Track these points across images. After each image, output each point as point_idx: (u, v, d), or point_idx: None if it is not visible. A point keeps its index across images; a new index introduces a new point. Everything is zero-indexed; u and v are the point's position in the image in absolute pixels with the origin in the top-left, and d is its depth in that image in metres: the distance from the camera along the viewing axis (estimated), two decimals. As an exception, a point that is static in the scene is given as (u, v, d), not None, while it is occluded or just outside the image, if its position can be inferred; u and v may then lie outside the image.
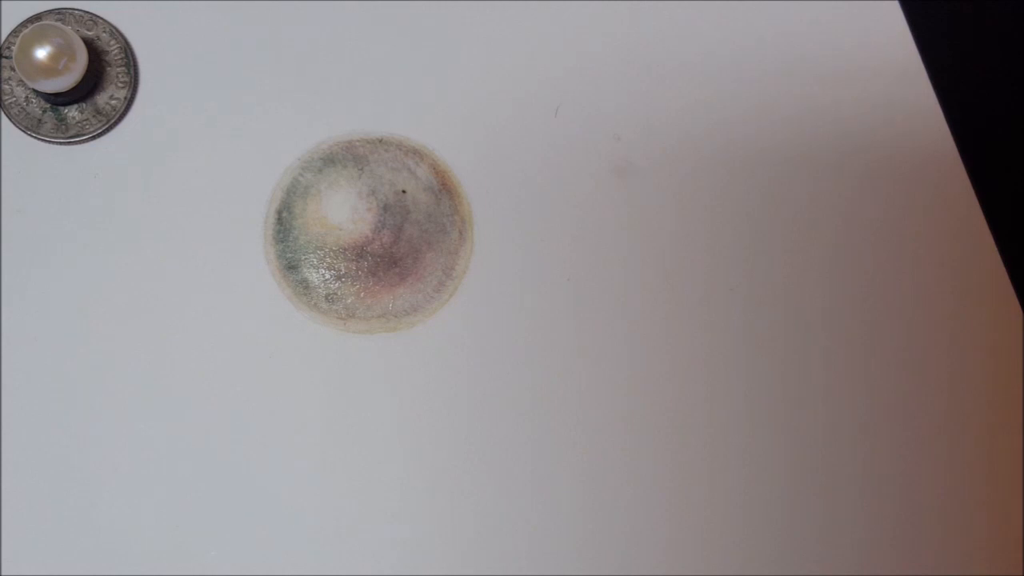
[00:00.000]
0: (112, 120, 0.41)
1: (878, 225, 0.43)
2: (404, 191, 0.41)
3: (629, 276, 0.41)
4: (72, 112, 0.40)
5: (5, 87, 0.40)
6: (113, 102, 0.41)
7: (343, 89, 0.42)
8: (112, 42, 0.41)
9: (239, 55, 0.42)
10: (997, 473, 0.41)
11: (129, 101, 0.41)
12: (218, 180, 0.41)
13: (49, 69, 0.38)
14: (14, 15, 0.41)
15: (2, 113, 0.40)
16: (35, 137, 0.40)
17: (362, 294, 0.41)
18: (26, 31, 0.39)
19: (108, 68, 0.41)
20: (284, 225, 0.41)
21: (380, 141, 0.41)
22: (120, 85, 0.41)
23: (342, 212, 0.41)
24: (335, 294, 0.41)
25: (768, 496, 0.41)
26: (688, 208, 0.42)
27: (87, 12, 0.41)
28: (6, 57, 0.40)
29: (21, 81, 0.40)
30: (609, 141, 0.42)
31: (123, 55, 0.41)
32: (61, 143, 0.40)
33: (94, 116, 0.40)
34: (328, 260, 0.41)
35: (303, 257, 0.41)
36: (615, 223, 0.42)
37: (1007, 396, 0.42)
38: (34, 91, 0.40)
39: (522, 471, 0.40)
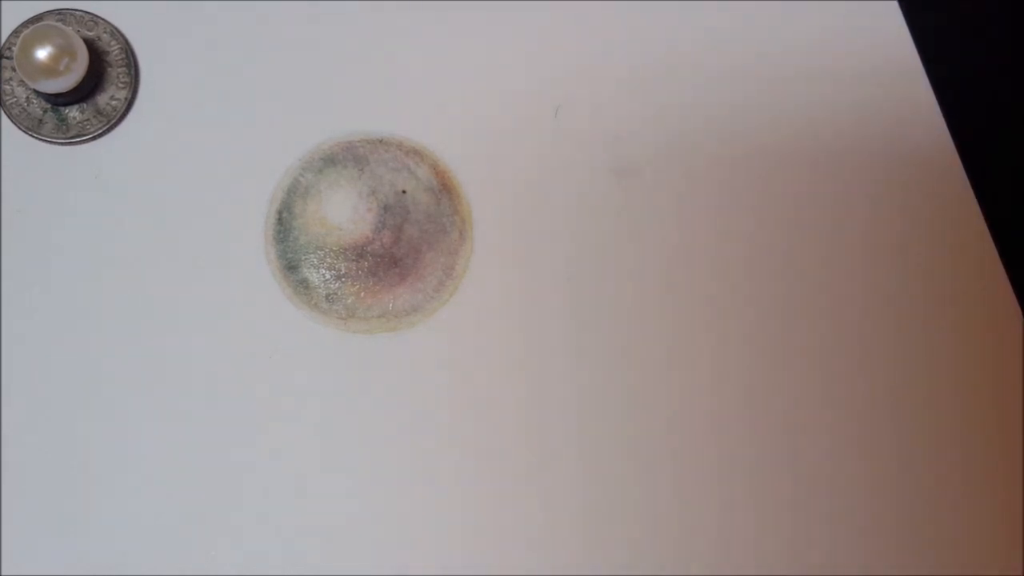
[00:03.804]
0: (113, 120, 0.41)
1: (877, 225, 0.43)
2: (404, 191, 0.41)
3: (629, 276, 0.41)
4: (73, 112, 0.40)
5: (6, 87, 0.40)
6: (114, 102, 0.41)
7: (343, 89, 0.42)
8: (113, 43, 0.41)
9: (239, 55, 0.42)
10: (997, 473, 0.41)
11: (130, 102, 0.41)
12: (218, 180, 0.41)
13: (50, 69, 0.38)
14: (15, 15, 0.41)
15: (3, 113, 0.40)
16: (36, 137, 0.40)
17: (362, 294, 0.41)
18: (27, 32, 0.39)
19: (109, 69, 0.41)
20: (284, 225, 0.41)
21: (380, 141, 0.42)
22: (121, 86, 0.41)
23: (342, 212, 0.41)
24: (335, 294, 0.41)
25: (768, 496, 0.41)
26: (688, 208, 0.42)
27: (88, 12, 0.41)
28: (7, 58, 0.40)
29: (22, 81, 0.40)
30: (609, 141, 0.42)
31: (124, 55, 0.41)
32: (62, 143, 0.40)
33: (95, 116, 0.41)
34: (328, 260, 0.41)
35: (303, 257, 0.41)
36: (615, 223, 0.42)
37: (1007, 396, 0.42)
38: (35, 91, 0.40)
39: (522, 471, 0.40)
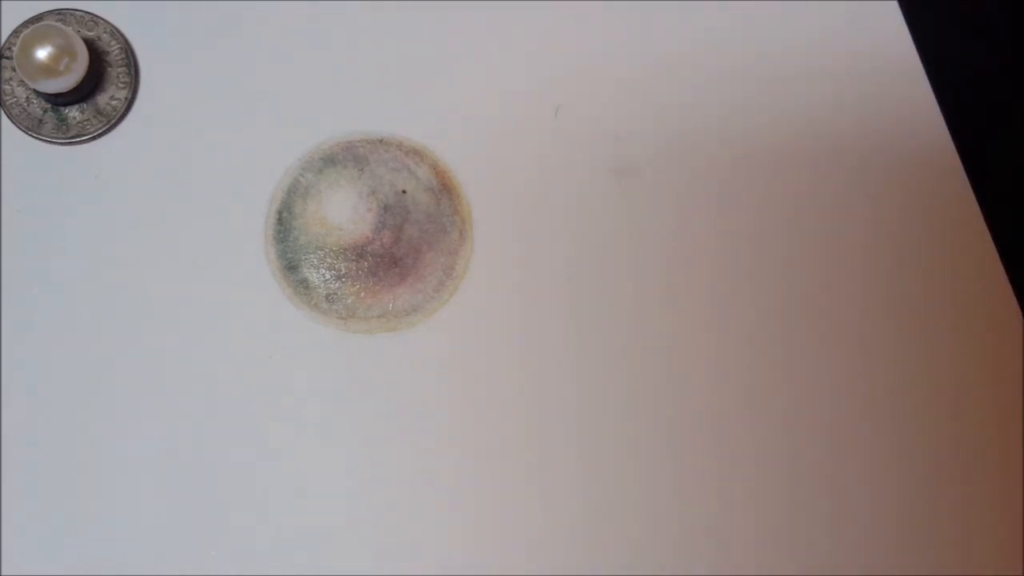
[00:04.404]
0: (113, 120, 0.41)
1: (876, 225, 0.43)
2: (404, 191, 0.41)
3: (629, 276, 0.41)
4: (73, 112, 0.40)
5: (6, 87, 0.40)
6: (114, 102, 0.41)
7: (343, 89, 0.42)
8: (113, 42, 0.41)
9: (239, 55, 0.42)
10: (997, 473, 0.41)
11: (130, 101, 0.41)
12: (218, 180, 0.41)
13: (50, 69, 0.38)
14: (15, 15, 0.41)
15: (3, 113, 0.40)
16: (36, 137, 0.40)
17: (362, 294, 0.41)
18: (27, 31, 0.39)
19: (109, 68, 0.41)
20: (284, 225, 0.41)
21: (380, 141, 0.42)
22: (121, 85, 0.41)
23: (342, 212, 0.41)
24: (335, 294, 0.41)
25: (768, 496, 0.41)
26: (688, 208, 0.42)
27: (88, 12, 0.41)
28: (7, 58, 0.40)
29: (22, 81, 0.40)
30: (609, 141, 0.42)
31: (124, 55, 0.41)
32: (62, 143, 0.40)
33: (95, 116, 0.41)
34: (328, 260, 0.41)
35: (303, 257, 0.41)
36: (615, 223, 0.42)
37: (1007, 396, 0.42)
38: (35, 91, 0.40)
39: (522, 471, 0.40)
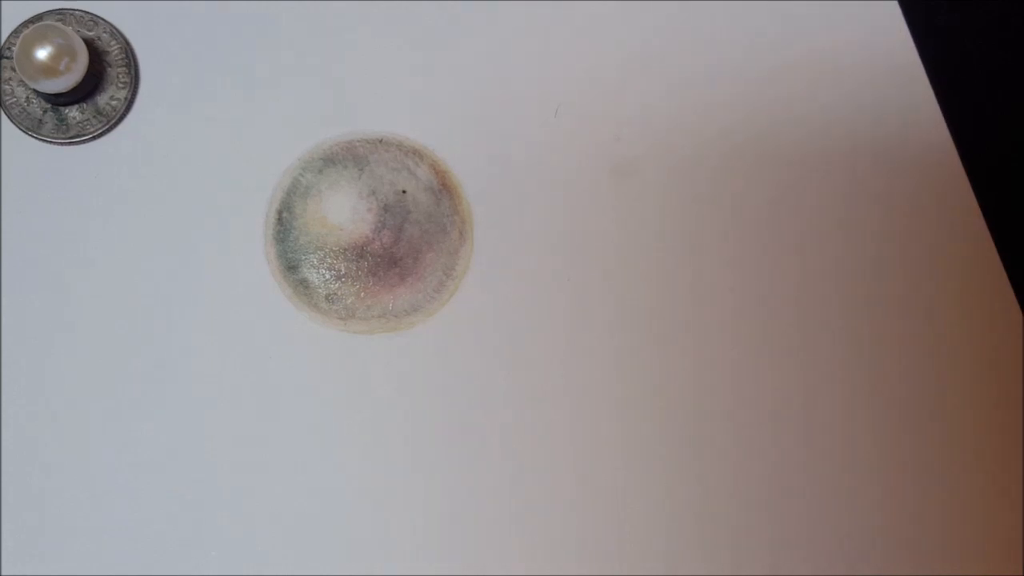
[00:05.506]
0: (113, 121, 0.41)
1: (876, 225, 0.43)
2: (404, 191, 0.41)
3: (629, 276, 0.41)
4: (73, 112, 0.40)
5: (6, 87, 0.40)
6: (114, 103, 0.41)
7: (343, 89, 0.42)
8: (113, 42, 0.41)
9: (239, 55, 0.42)
10: (997, 473, 0.41)
11: (130, 102, 0.41)
12: (218, 180, 0.41)
13: (50, 69, 0.38)
14: (15, 15, 0.41)
15: (3, 113, 0.40)
16: (36, 137, 0.40)
17: (362, 294, 0.41)
18: (27, 31, 0.39)
19: (109, 68, 0.41)
20: (285, 225, 0.41)
21: (380, 141, 0.42)
22: (121, 86, 0.41)
23: (342, 212, 0.41)
24: (335, 294, 0.41)
25: (767, 496, 0.41)
26: (688, 208, 0.42)
27: (88, 12, 0.41)
28: (7, 57, 0.40)
29: (22, 81, 0.40)
30: (609, 141, 0.42)
31: (124, 55, 0.41)
32: (62, 143, 0.40)
33: (95, 116, 0.41)
34: (328, 260, 0.41)
35: (303, 257, 0.41)
36: (615, 223, 0.42)
37: (1007, 396, 0.42)
38: (35, 91, 0.40)
39: (522, 471, 0.40)
